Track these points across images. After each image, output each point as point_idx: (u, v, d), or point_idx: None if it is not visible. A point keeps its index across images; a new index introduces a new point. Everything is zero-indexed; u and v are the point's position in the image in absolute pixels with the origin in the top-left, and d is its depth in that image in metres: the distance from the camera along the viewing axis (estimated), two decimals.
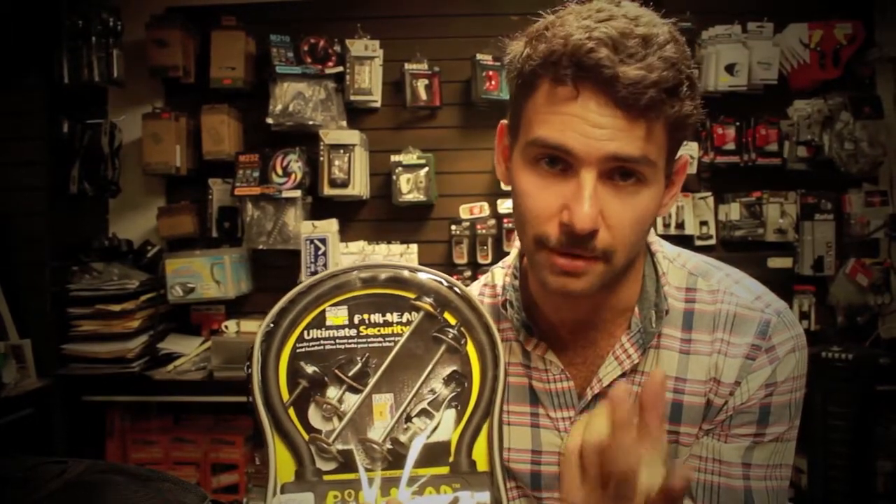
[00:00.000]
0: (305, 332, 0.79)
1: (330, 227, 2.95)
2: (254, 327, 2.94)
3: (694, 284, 0.94)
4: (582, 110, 0.77)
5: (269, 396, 0.76)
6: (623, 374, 0.92)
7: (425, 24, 3.15)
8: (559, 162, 0.80)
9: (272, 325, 0.79)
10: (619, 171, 0.80)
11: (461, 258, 3.02)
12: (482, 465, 0.75)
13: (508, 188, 0.91)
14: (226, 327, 2.99)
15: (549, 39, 0.79)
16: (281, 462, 0.73)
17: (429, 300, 0.81)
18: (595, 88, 0.76)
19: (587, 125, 0.77)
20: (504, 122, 0.93)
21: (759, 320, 0.89)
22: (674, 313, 0.92)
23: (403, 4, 3.17)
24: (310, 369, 0.77)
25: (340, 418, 0.76)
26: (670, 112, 0.79)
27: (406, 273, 0.82)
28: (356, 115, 3.13)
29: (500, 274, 1.03)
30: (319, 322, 0.80)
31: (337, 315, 0.80)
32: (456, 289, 0.82)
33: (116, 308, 2.78)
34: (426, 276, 0.82)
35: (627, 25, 0.77)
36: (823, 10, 2.96)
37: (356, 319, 0.80)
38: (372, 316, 0.80)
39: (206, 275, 2.92)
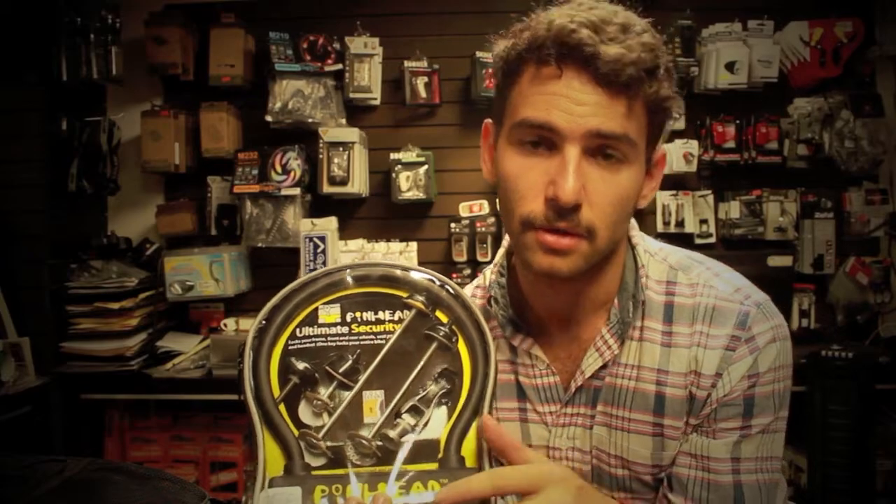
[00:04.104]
0: (298, 330, 0.80)
1: (329, 224, 2.95)
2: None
3: (674, 278, 0.95)
4: (565, 89, 0.81)
5: (260, 392, 0.76)
6: (604, 366, 0.94)
7: (425, 22, 3.15)
8: (544, 142, 0.84)
9: (264, 322, 0.80)
10: (601, 151, 0.83)
11: (460, 256, 3.02)
12: (471, 462, 0.75)
13: (494, 182, 0.94)
14: (225, 325, 2.99)
15: (534, 28, 0.84)
16: (270, 457, 0.74)
17: (421, 298, 0.81)
18: (578, 67, 0.81)
19: (571, 103, 0.81)
20: (488, 120, 0.96)
21: (738, 312, 0.90)
22: (654, 306, 0.94)
23: (403, 2, 3.16)
24: (301, 366, 0.77)
25: (330, 414, 0.76)
26: (649, 91, 0.83)
27: (398, 272, 0.83)
28: (355, 112, 3.13)
29: (490, 273, 1.05)
30: (312, 320, 0.80)
31: (329, 313, 0.80)
32: (448, 287, 0.82)
33: (115, 306, 2.78)
34: (418, 275, 0.83)
35: (608, 15, 0.83)
36: (824, 7, 2.96)
37: (348, 317, 0.80)
38: (364, 314, 0.80)
39: (205, 273, 2.91)
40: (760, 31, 2.95)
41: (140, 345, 2.84)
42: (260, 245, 2.98)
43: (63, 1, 2.84)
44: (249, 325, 3.08)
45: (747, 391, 0.88)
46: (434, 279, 0.83)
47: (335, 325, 0.80)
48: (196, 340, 3.01)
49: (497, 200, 0.93)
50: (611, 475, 0.95)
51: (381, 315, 0.80)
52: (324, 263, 2.84)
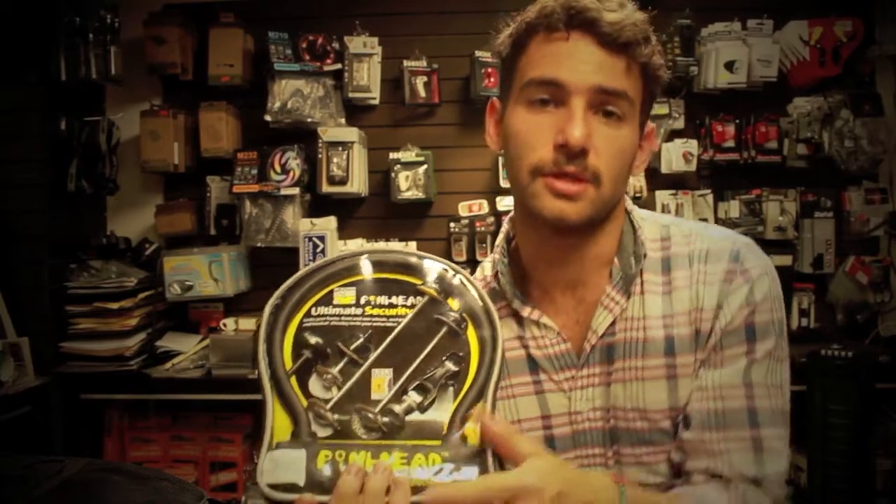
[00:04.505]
0: (313, 309, 0.82)
1: (328, 224, 2.94)
2: (252, 325, 2.94)
3: (667, 234, 1.02)
4: (572, 49, 0.90)
5: (273, 363, 0.78)
6: (613, 322, 0.98)
7: (424, 22, 3.15)
8: (552, 100, 0.92)
9: (280, 301, 0.83)
10: (603, 108, 0.91)
11: (460, 255, 3.02)
12: (473, 441, 0.76)
13: (499, 150, 1.02)
14: (224, 325, 2.98)
15: (541, 2, 0.93)
16: (278, 424, 0.76)
17: (434, 286, 0.84)
18: (582, 30, 0.90)
19: (576, 61, 0.90)
20: (494, 98, 1.04)
21: (730, 250, 0.98)
22: (652, 262, 1.00)
23: (402, 2, 3.16)
24: (314, 340, 0.80)
25: (340, 389, 0.78)
26: (644, 53, 0.92)
27: (413, 259, 0.86)
28: (354, 112, 3.13)
29: (490, 265, 1.10)
30: (327, 300, 0.83)
31: (345, 295, 0.83)
32: (461, 277, 0.86)
33: (114, 306, 2.78)
34: (432, 264, 0.86)
35: None
36: (823, 6, 2.95)
37: (362, 300, 0.83)
38: (378, 298, 0.83)
39: (205, 272, 2.91)
40: (760, 30, 2.95)
41: (139, 345, 2.84)
42: (259, 245, 2.98)
43: (62, 1, 2.83)
44: (249, 324, 3.07)
45: (748, 318, 0.94)
46: (448, 268, 0.86)
47: (349, 306, 0.83)
48: (195, 340, 3.01)
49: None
50: (630, 430, 0.97)
51: (394, 300, 0.83)
52: None
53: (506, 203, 2.95)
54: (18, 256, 2.78)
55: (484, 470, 0.73)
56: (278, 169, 2.96)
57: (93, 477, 1.26)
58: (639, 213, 1.04)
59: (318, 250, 2.87)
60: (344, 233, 3.06)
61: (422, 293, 0.84)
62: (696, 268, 0.97)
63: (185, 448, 3.02)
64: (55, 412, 2.75)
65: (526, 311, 1.01)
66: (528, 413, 1.01)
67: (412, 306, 0.82)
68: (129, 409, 3.04)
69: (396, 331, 0.81)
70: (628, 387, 0.97)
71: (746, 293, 0.94)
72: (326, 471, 0.72)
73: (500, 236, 1.09)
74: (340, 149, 2.96)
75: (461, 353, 0.80)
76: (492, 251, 1.11)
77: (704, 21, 2.97)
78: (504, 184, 3.01)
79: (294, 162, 2.97)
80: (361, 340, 0.80)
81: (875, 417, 2.68)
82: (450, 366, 0.79)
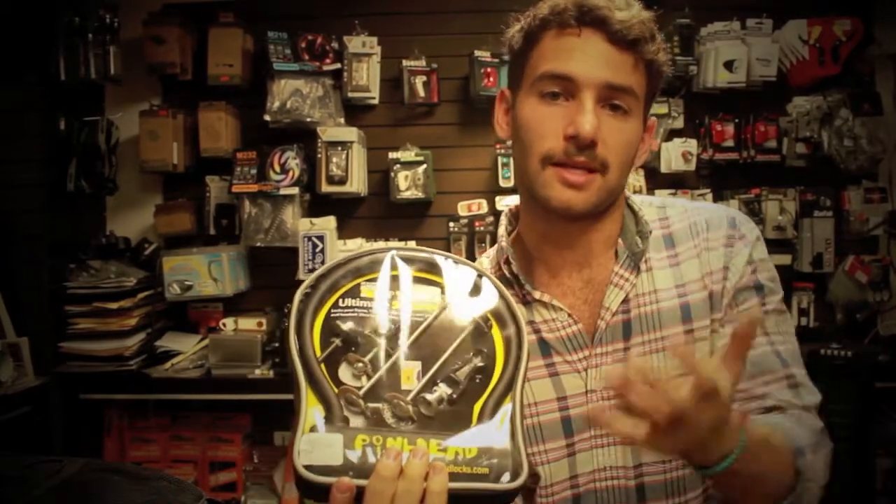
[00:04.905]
0: (340, 300, 0.83)
1: (328, 224, 2.94)
2: (252, 325, 2.94)
3: (665, 214, 1.08)
4: (583, 45, 0.95)
5: (304, 348, 0.79)
6: (626, 299, 1.02)
7: (423, 21, 3.14)
8: (563, 93, 0.96)
9: (310, 289, 0.83)
10: (610, 102, 0.96)
11: (459, 255, 3.01)
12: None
13: (508, 142, 1.07)
14: (223, 325, 2.98)
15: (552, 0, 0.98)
16: (311, 409, 0.76)
17: (458, 286, 0.86)
18: (593, 27, 0.95)
19: (587, 57, 0.95)
20: (504, 88, 1.09)
21: (726, 217, 1.06)
22: (655, 241, 1.06)
23: (401, 1, 3.16)
24: (345, 326, 0.81)
25: (370, 377, 0.79)
26: (650, 51, 0.97)
27: (440, 259, 0.88)
28: (354, 111, 3.13)
29: (487, 260, 1.14)
30: (354, 293, 0.84)
31: (372, 289, 0.84)
32: (485, 277, 0.88)
33: (114, 306, 2.78)
34: (458, 264, 0.89)
35: None
36: (822, 6, 2.95)
37: (389, 295, 0.84)
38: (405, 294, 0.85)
39: (204, 272, 2.91)
40: (759, 29, 2.95)
41: (139, 344, 2.84)
42: (258, 244, 2.98)
43: (62, 1, 2.83)
44: (248, 324, 3.05)
45: (752, 276, 1.02)
46: (472, 269, 0.88)
47: (376, 300, 0.84)
48: (195, 340, 3.00)
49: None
50: None
51: (420, 297, 0.85)
52: (322, 263, 2.84)
53: (505, 203, 2.94)
54: (18, 256, 2.78)
55: (517, 456, 0.74)
56: (277, 169, 2.96)
57: (92, 477, 1.26)
58: (635, 197, 1.10)
59: (318, 250, 2.87)
60: (343, 232, 3.06)
61: (447, 291, 0.86)
62: (701, 237, 1.04)
63: (185, 448, 3.03)
64: (55, 412, 2.76)
65: (537, 294, 1.04)
66: (543, 396, 1.03)
67: (437, 304, 0.84)
68: (129, 409, 3.04)
69: (423, 325, 0.82)
70: (649, 360, 1.00)
71: (747, 255, 1.02)
72: (364, 455, 0.73)
73: (501, 228, 1.13)
74: (340, 148, 2.96)
75: (486, 350, 0.82)
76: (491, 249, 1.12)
77: (704, 20, 2.97)
78: (503, 183, 3.01)
79: (293, 162, 2.96)
80: (390, 330, 0.82)
81: (875, 417, 2.68)
82: (476, 362, 0.81)
